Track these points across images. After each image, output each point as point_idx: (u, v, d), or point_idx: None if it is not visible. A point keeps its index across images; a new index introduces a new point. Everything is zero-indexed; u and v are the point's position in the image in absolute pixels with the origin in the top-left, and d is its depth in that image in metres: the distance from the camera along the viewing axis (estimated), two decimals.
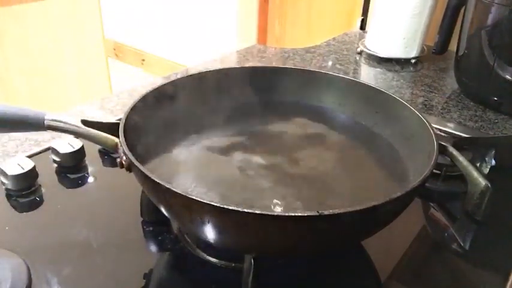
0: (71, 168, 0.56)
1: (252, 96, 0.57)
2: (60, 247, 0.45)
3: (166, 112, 0.52)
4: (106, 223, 0.49)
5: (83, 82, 1.76)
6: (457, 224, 0.52)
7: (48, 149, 0.57)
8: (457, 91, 0.86)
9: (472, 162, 0.54)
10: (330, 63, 0.97)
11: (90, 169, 0.57)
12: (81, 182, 0.55)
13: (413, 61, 0.97)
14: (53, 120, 0.43)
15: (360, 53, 1.02)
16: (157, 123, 0.52)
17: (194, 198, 0.33)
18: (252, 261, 0.37)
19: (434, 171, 0.40)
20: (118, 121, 0.43)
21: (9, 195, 0.50)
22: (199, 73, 0.56)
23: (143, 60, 1.94)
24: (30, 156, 0.54)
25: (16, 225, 0.47)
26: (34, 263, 0.41)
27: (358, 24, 1.16)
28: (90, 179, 0.55)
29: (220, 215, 0.33)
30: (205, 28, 1.62)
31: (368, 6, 1.13)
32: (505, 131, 0.73)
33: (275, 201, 0.42)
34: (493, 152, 0.57)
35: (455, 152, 0.46)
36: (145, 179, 0.36)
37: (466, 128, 0.71)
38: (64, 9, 1.61)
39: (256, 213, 0.32)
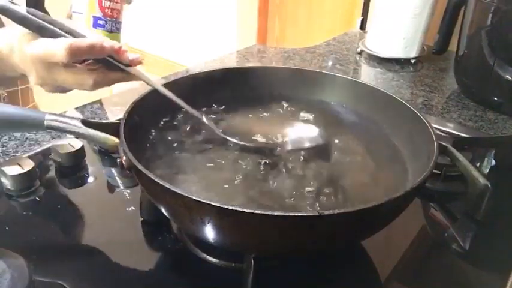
0: (71, 168, 0.56)
1: (252, 96, 0.57)
2: (60, 247, 0.45)
3: (166, 112, 0.52)
4: (106, 223, 0.49)
5: None
6: (457, 224, 0.52)
7: (48, 149, 0.57)
8: (457, 91, 0.86)
9: (472, 162, 0.54)
10: (330, 63, 0.97)
11: (90, 169, 0.57)
12: (81, 182, 0.55)
13: (413, 61, 0.97)
14: (53, 120, 0.43)
15: (360, 53, 1.02)
16: (157, 123, 0.52)
17: (194, 198, 0.33)
18: (252, 261, 0.37)
19: (434, 171, 0.40)
20: (118, 121, 0.43)
21: (9, 195, 0.50)
22: (199, 73, 0.56)
23: (142, 59, 1.94)
24: (30, 156, 0.54)
25: (16, 225, 0.47)
26: (34, 263, 0.41)
27: (358, 24, 1.16)
28: (90, 179, 0.55)
29: (220, 215, 0.33)
30: (205, 28, 1.62)
31: (368, 6, 1.13)
32: (505, 131, 0.73)
33: (275, 201, 0.42)
34: (493, 152, 0.57)
35: (455, 152, 0.46)
36: (145, 179, 0.36)
37: (466, 128, 0.71)
38: (64, 9, 1.61)
39: (256, 213, 0.32)
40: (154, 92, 0.50)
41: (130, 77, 0.49)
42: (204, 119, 0.50)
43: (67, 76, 0.46)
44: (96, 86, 0.47)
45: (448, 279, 0.44)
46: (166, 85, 0.50)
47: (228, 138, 0.49)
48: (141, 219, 0.48)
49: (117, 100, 0.75)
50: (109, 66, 0.48)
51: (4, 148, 0.59)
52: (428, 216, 0.54)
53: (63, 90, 0.50)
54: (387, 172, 0.48)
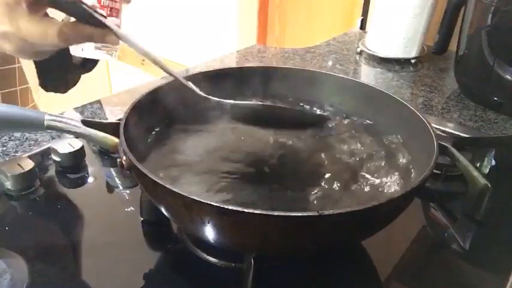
0: (71, 168, 0.56)
1: (251, 96, 0.57)
2: (60, 247, 0.45)
3: (166, 112, 0.52)
4: (106, 223, 0.49)
5: (83, 82, 1.76)
6: (457, 224, 0.52)
7: (48, 149, 0.57)
8: (457, 91, 0.86)
9: (472, 162, 0.54)
10: (330, 63, 0.97)
11: (90, 169, 0.57)
12: (81, 182, 0.55)
13: (413, 61, 0.97)
14: (53, 120, 0.43)
15: (360, 53, 1.02)
16: (157, 123, 0.52)
17: (194, 198, 0.33)
18: (252, 261, 0.37)
19: (434, 171, 0.40)
20: (118, 121, 0.43)
21: (9, 195, 0.50)
22: (199, 73, 0.56)
23: (143, 60, 1.94)
24: (30, 156, 0.54)
25: (16, 225, 0.47)
26: (34, 263, 0.41)
27: (358, 24, 1.16)
28: (90, 179, 0.55)
29: (220, 215, 0.33)
30: (205, 28, 1.62)
31: (368, 6, 1.13)
32: (505, 131, 0.73)
33: (274, 202, 0.42)
34: (493, 152, 0.57)
35: (455, 152, 0.46)
36: (145, 179, 0.36)
37: (466, 128, 0.71)
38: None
39: (256, 213, 0.32)
40: (154, 92, 0.50)
41: (104, 34, 0.44)
42: (181, 79, 0.48)
43: (31, 24, 0.42)
44: (62, 37, 0.42)
45: (448, 279, 0.44)
46: (166, 86, 0.50)
47: (209, 97, 0.48)
48: (141, 219, 0.48)
49: (117, 100, 0.75)
50: (83, 20, 0.43)
51: (4, 148, 0.59)
52: (428, 216, 0.54)
53: (31, 50, 0.45)
54: (387, 172, 0.48)
